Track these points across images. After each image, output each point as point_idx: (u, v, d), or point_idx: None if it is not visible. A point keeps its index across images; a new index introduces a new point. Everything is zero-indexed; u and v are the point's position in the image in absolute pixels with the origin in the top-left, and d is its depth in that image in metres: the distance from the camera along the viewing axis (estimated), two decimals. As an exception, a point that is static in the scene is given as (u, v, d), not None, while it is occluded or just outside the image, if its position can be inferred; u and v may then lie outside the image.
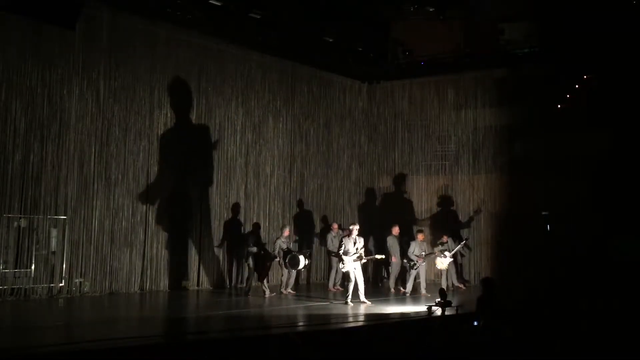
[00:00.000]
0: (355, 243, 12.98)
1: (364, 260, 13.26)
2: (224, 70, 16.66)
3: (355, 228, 13.18)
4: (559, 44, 16.31)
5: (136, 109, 14.87)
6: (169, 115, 15.47)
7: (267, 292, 14.20)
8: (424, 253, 15.02)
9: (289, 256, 14.57)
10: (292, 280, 15.30)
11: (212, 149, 16.26)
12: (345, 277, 13.82)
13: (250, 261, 14.35)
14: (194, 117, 16.00)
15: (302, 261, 14.53)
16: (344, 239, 13.17)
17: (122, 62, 14.61)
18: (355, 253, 12.93)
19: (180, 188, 15.57)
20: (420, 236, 15.39)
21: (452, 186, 18.60)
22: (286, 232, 14.99)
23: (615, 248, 14.82)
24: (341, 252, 12.98)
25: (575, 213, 15.70)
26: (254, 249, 14.24)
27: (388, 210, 18.83)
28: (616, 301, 12.02)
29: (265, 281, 14.42)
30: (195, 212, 15.74)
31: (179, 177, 15.56)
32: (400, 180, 19.27)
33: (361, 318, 11.89)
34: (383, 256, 14.56)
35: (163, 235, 15.12)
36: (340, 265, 13.12)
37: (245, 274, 15.61)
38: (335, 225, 16.64)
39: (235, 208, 16.27)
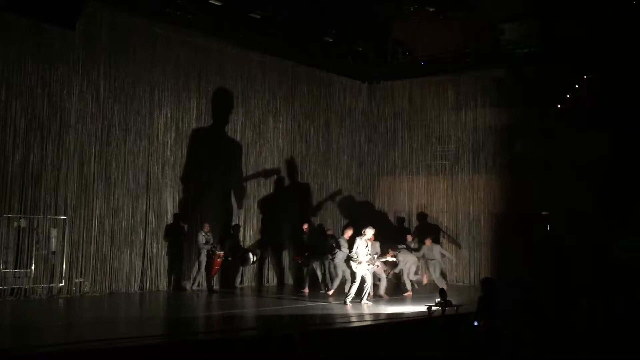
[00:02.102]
0: (367, 245, 12.98)
1: (377, 263, 13.31)
2: (224, 70, 16.66)
3: (370, 231, 13.10)
4: (559, 44, 16.31)
5: (136, 109, 14.86)
6: (169, 115, 15.47)
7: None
8: (376, 254, 13.80)
9: (239, 253, 15.27)
10: (238, 275, 15.89)
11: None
12: (352, 276, 13.59)
13: (203, 259, 14.80)
14: (194, 119, 16.00)
15: (251, 258, 15.36)
16: (357, 240, 13.05)
17: (122, 62, 14.60)
18: (367, 255, 12.93)
19: (181, 188, 15.57)
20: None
21: (452, 186, 18.62)
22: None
23: (617, 247, 14.82)
24: (353, 254, 12.93)
25: (575, 213, 15.70)
26: (207, 247, 14.74)
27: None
28: (616, 301, 12.03)
29: (196, 279, 15.02)
30: (195, 213, 15.72)
31: (177, 178, 15.56)
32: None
33: (361, 318, 11.89)
34: (395, 258, 14.50)
35: (163, 235, 15.11)
36: (354, 265, 13.04)
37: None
38: (305, 226, 15.83)
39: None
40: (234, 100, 16.76)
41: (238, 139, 16.83)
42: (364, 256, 12.83)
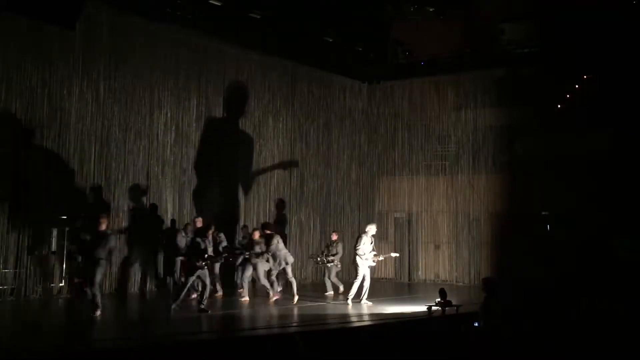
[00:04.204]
0: (372, 242, 13.00)
1: (380, 258, 13.41)
2: (224, 70, 16.66)
3: (373, 227, 13.18)
4: (559, 44, 16.31)
5: (136, 109, 14.88)
6: (169, 115, 15.47)
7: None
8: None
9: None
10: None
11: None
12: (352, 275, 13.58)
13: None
14: (194, 119, 16.00)
15: None
16: (362, 236, 13.07)
17: (122, 62, 14.61)
18: (372, 251, 12.95)
19: (179, 188, 15.57)
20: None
21: (452, 186, 18.61)
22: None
23: (618, 247, 14.83)
24: (358, 250, 12.94)
25: (575, 213, 15.71)
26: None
27: None
28: (617, 301, 12.03)
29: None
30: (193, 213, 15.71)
31: (177, 178, 15.56)
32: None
33: (361, 318, 11.89)
34: (397, 254, 14.59)
35: (162, 236, 15.09)
36: (359, 262, 12.99)
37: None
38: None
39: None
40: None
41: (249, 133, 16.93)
42: (368, 253, 12.85)
